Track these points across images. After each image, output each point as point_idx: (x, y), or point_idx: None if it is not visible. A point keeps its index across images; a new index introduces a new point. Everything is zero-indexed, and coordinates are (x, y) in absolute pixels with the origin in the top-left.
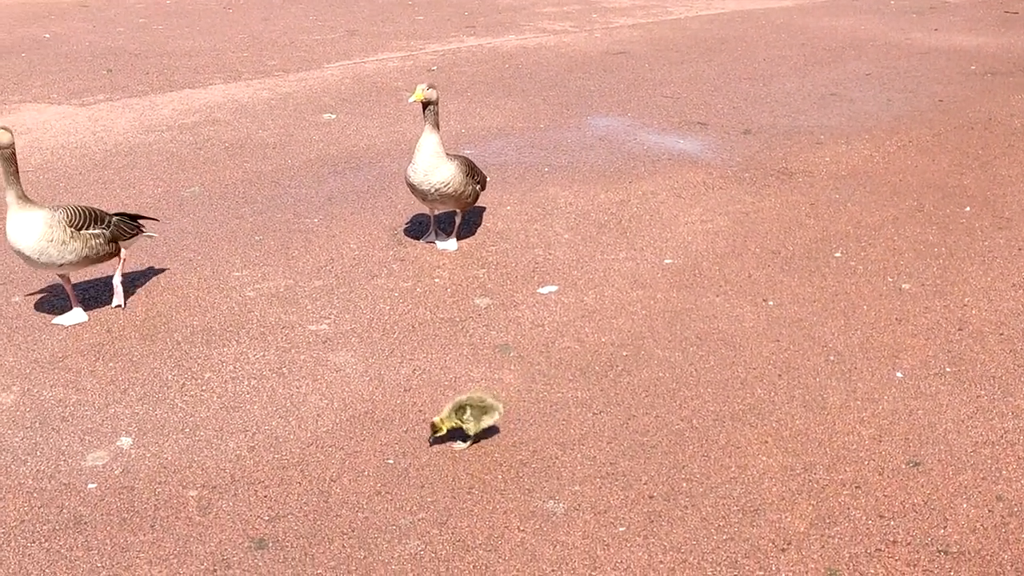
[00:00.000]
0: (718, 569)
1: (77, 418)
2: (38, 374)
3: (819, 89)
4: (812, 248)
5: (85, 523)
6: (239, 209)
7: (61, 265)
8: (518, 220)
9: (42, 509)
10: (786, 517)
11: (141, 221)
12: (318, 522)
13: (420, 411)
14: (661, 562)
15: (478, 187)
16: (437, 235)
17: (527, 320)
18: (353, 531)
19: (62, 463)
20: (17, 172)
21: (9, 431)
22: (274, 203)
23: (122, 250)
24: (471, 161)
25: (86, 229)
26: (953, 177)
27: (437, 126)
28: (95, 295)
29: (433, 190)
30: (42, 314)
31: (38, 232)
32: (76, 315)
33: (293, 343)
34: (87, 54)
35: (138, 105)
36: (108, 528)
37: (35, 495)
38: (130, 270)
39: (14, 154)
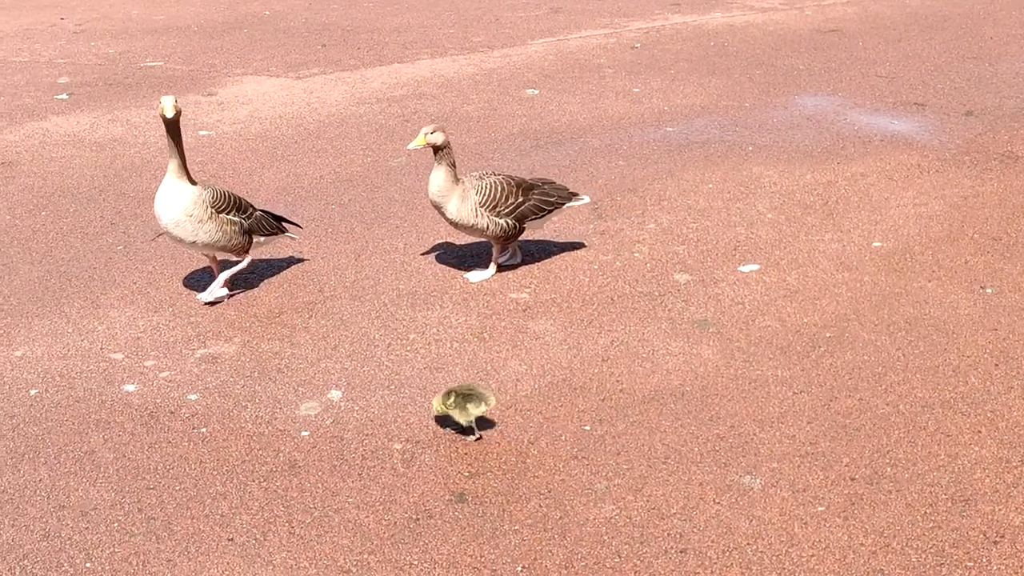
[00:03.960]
0: (923, 556)
1: (291, 370)
2: (257, 328)
3: None
4: None
5: (299, 467)
6: None
7: (193, 243)
8: (720, 198)
9: (260, 452)
10: (1000, 509)
11: (285, 224)
12: (515, 481)
13: (617, 381)
14: (862, 544)
15: (503, 221)
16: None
17: (727, 297)
18: (549, 492)
19: (278, 411)
20: (181, 144)
21: (231, 379)
22: None
23: (248, 255)
24: (501, 186)
25: (225, 214)
26: None
27: (453, 165)
28: (308, 260)
29: (448, 220)
30: (259, 272)
31: (181, 205)
32: (219, 291)
33: (494, 310)
34: (303, 30)
35: (350, 78)
36: (320, 473)
37: (254, 439)
38: (340, 234)
39: (179, 126)
